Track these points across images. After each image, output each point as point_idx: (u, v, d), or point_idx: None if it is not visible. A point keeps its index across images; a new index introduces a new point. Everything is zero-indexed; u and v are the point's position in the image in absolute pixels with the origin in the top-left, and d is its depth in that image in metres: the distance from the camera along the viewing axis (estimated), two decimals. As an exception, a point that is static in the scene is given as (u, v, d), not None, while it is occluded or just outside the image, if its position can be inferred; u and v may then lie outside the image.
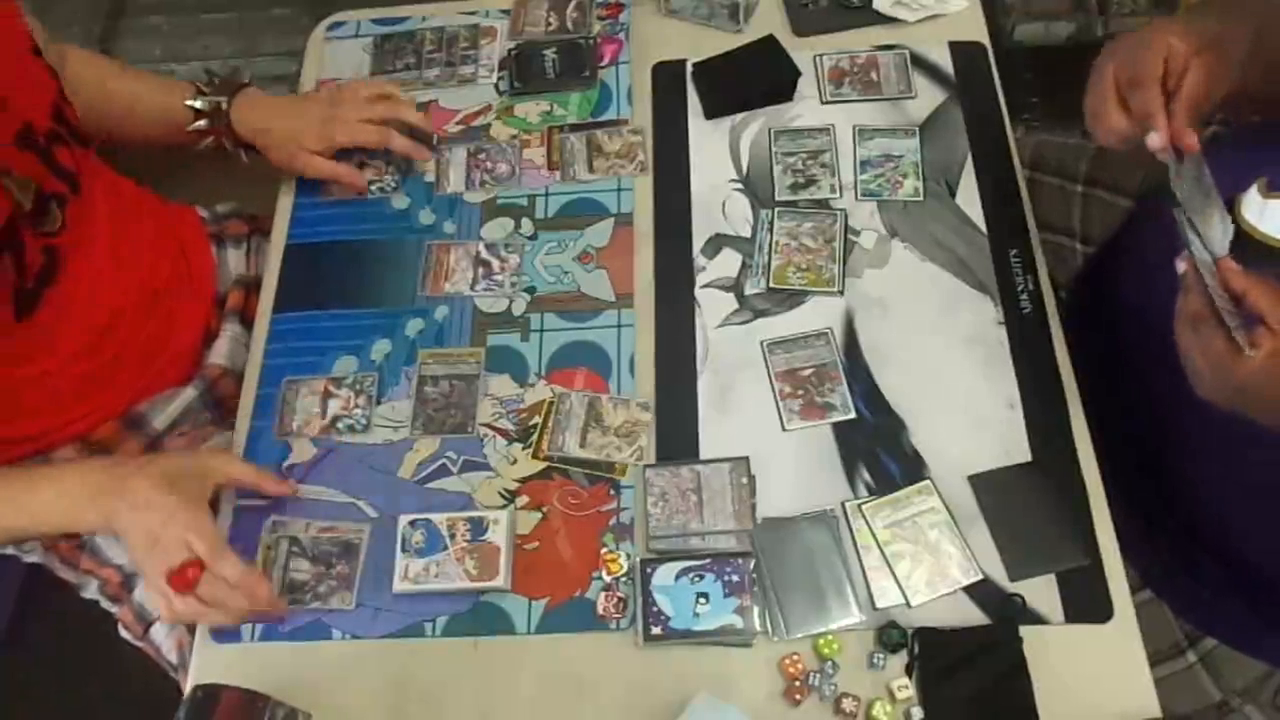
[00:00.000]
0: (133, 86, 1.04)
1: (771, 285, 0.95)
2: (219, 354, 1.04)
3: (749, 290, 0.96)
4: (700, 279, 0.97)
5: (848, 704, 0.76)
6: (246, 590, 0.78)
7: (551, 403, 0.91)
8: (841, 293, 0.94)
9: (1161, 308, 0.81)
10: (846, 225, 0.98)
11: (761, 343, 0.93)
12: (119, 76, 1.04)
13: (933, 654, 0.77)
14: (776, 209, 0.99)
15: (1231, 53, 0.75)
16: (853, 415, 0.88)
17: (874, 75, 1.07)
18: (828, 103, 1.06)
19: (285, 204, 1.07)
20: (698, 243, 0.99)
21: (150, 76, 1.06)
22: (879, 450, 0.87)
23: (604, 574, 0.83)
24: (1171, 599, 0.91)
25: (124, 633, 1.00)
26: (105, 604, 1.01)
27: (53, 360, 0.90)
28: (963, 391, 0.89)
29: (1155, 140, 0.73)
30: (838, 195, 1.00)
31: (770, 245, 0.97)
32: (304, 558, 0.86)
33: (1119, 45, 0.78)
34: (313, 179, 1.05)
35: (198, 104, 1.01)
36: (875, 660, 0.78)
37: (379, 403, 0.93)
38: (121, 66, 1.06)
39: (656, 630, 0.80)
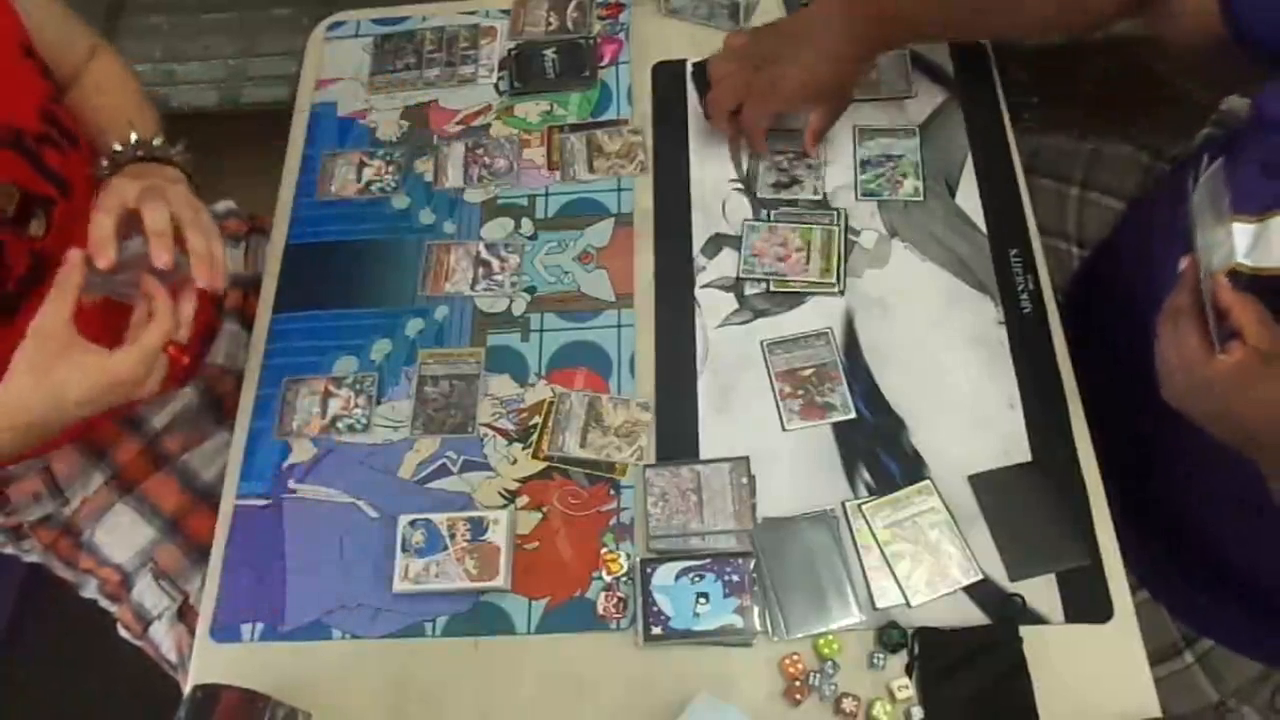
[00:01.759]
0: (105, 102, 0.98)
1: (772, 288, 0.95)
2: (217, 353, 1.04)
3: (749, 290, 0.96)
4: (700, 279, 0.97)
5: (848, 704, 0.76)
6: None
7: (551, 403, 0.91)
8: (842, 293, 0.94)
9: (1152, 310, 0.81)
10: (846, 225, 0.98)
11: (761, 343, 0.92)
12: (102, 92, 0.99)
13: (933, 654, 0.77)
14: (772, 211, 0.99)
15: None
16: (853, 415, 0.88)
17: (874, 75, 1.06)
18: (828, 103, 1.06)
19: (285, 203, 1.07)
20: (698, 243, 0.99)
21: (128, 107, 1.00)
22: (879, 450, 0.87)
23: (604, 574, 0.83)
24: (1167, 600, 0.91)
25: (123, 632, 1.00)
26: (104, 603, 1.01)
27: None
28: (963, 391, 0.89)
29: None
30: (819, 197, 1.00)
31: None
32: None
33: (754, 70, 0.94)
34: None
35: (116, 146, 0.95)
36: (875, 660, 0.78)
37: (379, 403, 0.93)
38: (120, 86, 1.01)
39: (656, 630, 0.80)
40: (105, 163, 0.92)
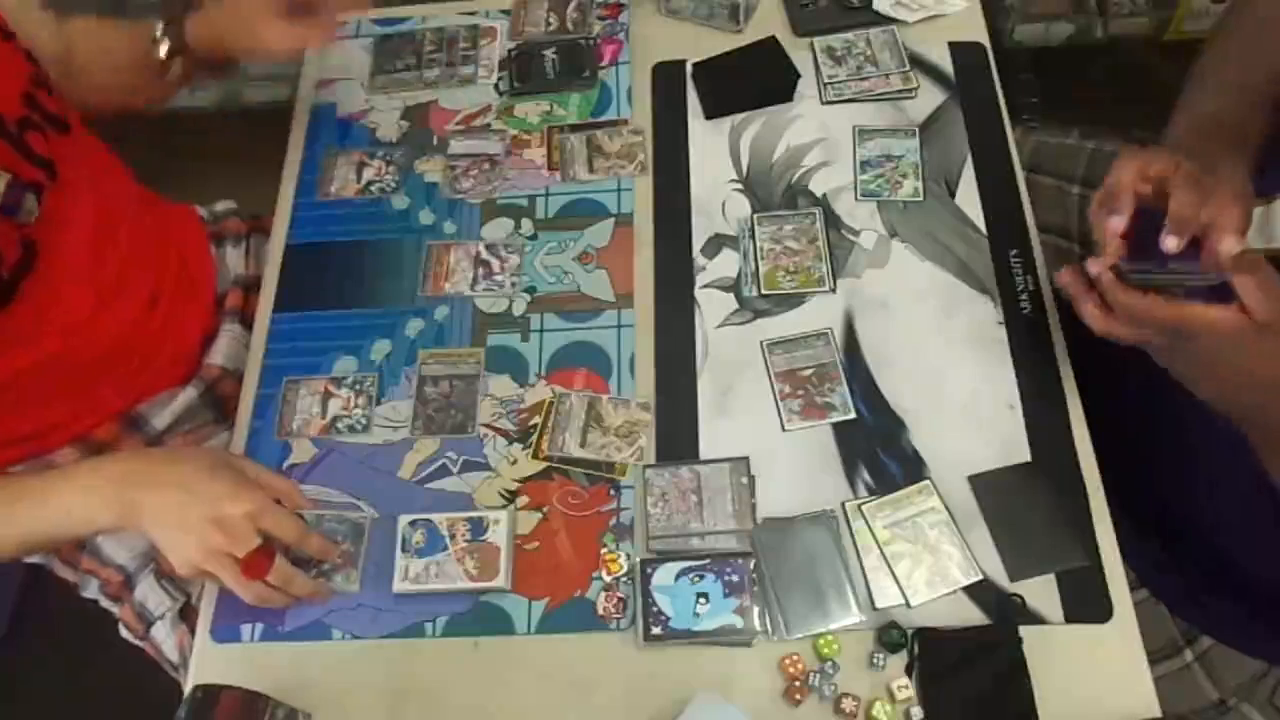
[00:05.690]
0: (102, 36, 0.99)
1: (763, 292, 0.95)
2: (218, 354, 1.04)
3: (748, 290, 0.96)
4: (700, 279, 0.97)
5: (848, 704, 0.76)
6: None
7: (551, 403, 0.91)
8: (834, 290, 0.94)
9: None
10: (827, 221, 0.98)
11: (761, 343, 0.93)
12: (94, 32, 0.99)
13: (933, 654, 0.77)
14: (756, 215, 0.99)
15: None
16: (853, 415, 0.88)
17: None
18: (828, 103, 1.06)
19: (285, 204, 1.07)
20: (698, 243, 0.99)
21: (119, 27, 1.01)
22: (879, 450, 0.87)
23: (604, 574, 0.83)
24: (1167, 599, 0.91)
25: (124, 632, 1.00)
26: (105, 603, 1.01)
27: (33, 354, 0.88)
28: (963, 391, 0.89)
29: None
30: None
31: (756, 252, 0.97)
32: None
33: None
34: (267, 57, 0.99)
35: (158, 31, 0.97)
36: (875, 660, 0.78)
37: (379, 403, 0.93)
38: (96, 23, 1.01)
39: (656, 630, 0.80)
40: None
